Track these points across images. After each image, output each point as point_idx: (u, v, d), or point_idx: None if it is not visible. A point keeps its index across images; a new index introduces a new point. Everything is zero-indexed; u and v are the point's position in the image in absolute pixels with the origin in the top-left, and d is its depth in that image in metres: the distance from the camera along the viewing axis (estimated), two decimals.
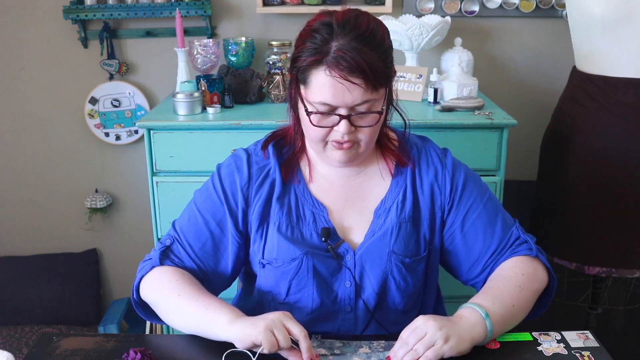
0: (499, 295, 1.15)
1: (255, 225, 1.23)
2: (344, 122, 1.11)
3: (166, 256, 1.23)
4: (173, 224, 1.28)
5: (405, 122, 1.26)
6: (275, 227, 1.22)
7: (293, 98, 1.19)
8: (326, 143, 1.16)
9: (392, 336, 1.12)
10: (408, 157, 1.26)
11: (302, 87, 1.14)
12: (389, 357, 1.06)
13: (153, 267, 1.21)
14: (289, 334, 1.04)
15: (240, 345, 1.05)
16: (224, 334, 1.08)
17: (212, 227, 1.24)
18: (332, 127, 1.13)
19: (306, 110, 1.13)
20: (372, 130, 1.15)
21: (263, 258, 1.23)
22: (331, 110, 1.11)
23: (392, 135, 1.29)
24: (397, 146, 1.27)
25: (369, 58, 1.07)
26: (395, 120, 1.27)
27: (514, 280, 1.19)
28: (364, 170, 1.26)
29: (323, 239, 1.20)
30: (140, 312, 1.25)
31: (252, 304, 1.31)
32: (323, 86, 1.09)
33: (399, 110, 1.25)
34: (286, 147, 1.27)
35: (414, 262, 1.23)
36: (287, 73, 1.99)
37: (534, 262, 1.23)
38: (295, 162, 1.26)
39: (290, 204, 1.23)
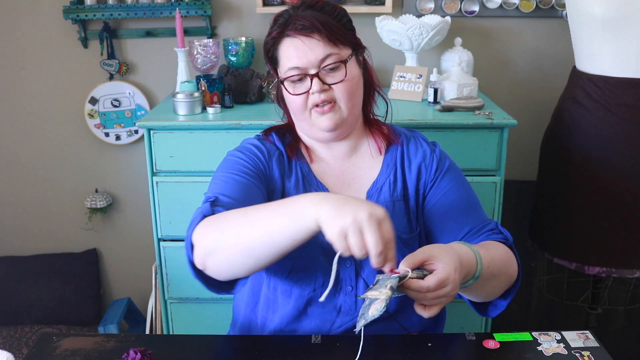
0: (492, 264, 1.10)
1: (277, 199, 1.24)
2: (315, 81, 1.20)
3: (216, 205, 1.11)
4: (205, 194, 1.18)
5: (386, 102, 1.37)
6: None
7: (278, 87, 1.29)
8: (310, 113, 1.24)
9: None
10: (397, 137, 1.33)
11: (277, 70, 1.26)
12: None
13: (205, 216, 1.07)
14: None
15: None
16: (314, 221, 0.93)
17: (245, 177, 1.20)
18: (307, 91, 1.21)
19: (281, 81, 1.23)
20: (346, 88, 1.21)
21: None
22: (301, 73, 1.20)
23: (381, 125, 1.37)
24: (386, 130, 1.35)
25: (322, 18, 1.20)
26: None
27: (502, 254, 1.16)
28: (356, 152, 1.33)
29: None
30: (200, 280, 1.09)
31: (254, 283, 1.33)
32: (288, 54, 1.21)
33: (380, 92, 1.35)
34: (286, 134, 1.35)
35: (410, 238, 1.27)
36: None
37: (510, 251, 1.21)
38: (297, 145, 1.33)
39: (298, 180, 1.29)
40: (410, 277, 0.97)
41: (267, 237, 0.98)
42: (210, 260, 1.04)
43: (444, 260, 0.99)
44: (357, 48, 1.26)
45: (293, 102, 1.23)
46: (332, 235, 0.91)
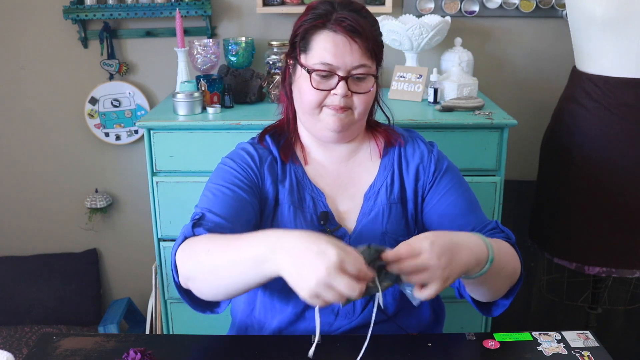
0: (500, 254, 1.10)
1: (270, 206, 1.25)
2: (342, 84, 1.19)
3: (198, 225, 1.14)
4: (196, 208, 1.22)
5: (388, 118, 1.37)
6: (280, 209, 1.26)
7: (288, 77, 1.27)
8: (321, 109, 1.22)
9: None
10: (397, 137, 1.32)
11: (302, 56, 1.22)
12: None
13: (185, 237, 1.12)
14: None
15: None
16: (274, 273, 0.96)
17: (236, 191, 1.22)
18: (329, 90, 1.20)
19: (308, 70, 1.20)
20: (366, 99, 1.22)
21: None
22: (331, 71, 1.18)
23: (381, 125, 1.38)
24: (385, 130, 1.35)
25: (367, 27, 1.19)
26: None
27: (507, 248, 1.16)
28: (354, 156, 1.32)
29: (322, 222, 1.24)
30: (186, 300, 1.15)
31: (248, 293, 1.32)
32: (324, 49, 1.18)
33: (382, 107, 1.35)
34: (281, 136, 1.34)
35: None
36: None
37: (513, 249, 1.20)
38: (292, 147, 1.32)
39: (293, 185, 1.28)
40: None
41: (231, 281, 1.03)
42: (190, 285, 1.10)
43: (420, 236, 0.99)
44: (380, 63, 1.26)
45: (310, 94, 1.21)
46: (305, 298, 0.92)
